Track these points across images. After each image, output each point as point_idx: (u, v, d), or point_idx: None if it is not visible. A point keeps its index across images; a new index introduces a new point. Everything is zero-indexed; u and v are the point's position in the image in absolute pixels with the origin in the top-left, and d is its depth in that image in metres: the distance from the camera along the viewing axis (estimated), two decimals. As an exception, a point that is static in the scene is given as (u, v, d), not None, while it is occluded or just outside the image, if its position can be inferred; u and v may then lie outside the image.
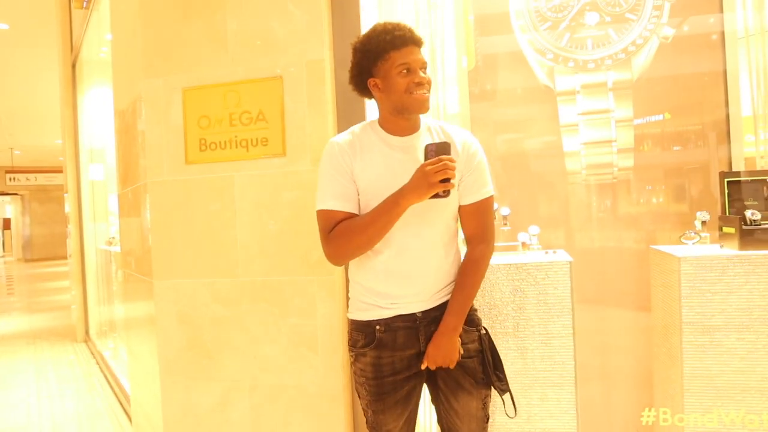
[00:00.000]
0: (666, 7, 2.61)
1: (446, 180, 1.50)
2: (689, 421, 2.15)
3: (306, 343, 2.30)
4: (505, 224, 2.42)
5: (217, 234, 2.38)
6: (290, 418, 2.33)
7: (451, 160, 1.51)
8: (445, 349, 1.68)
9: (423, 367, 1.72)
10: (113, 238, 5.26)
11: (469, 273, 1.72)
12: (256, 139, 2.33)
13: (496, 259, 2.28)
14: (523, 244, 2.36)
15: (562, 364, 2.19)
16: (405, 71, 1.61)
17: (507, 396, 1.78)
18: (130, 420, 3.46)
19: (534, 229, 2.37)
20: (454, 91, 2.61)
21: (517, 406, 2.21)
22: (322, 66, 2.25)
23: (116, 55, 3.05)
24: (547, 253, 2.35)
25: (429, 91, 1.65)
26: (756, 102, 2.45)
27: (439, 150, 1.52)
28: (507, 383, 1.76)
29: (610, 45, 2.67)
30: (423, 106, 1.64)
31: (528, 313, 2.21)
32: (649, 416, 2.24)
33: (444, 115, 2.55)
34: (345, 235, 1.63)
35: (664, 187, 2.75)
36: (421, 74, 1.62)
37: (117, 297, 4.43)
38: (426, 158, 1.54)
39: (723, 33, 2.56)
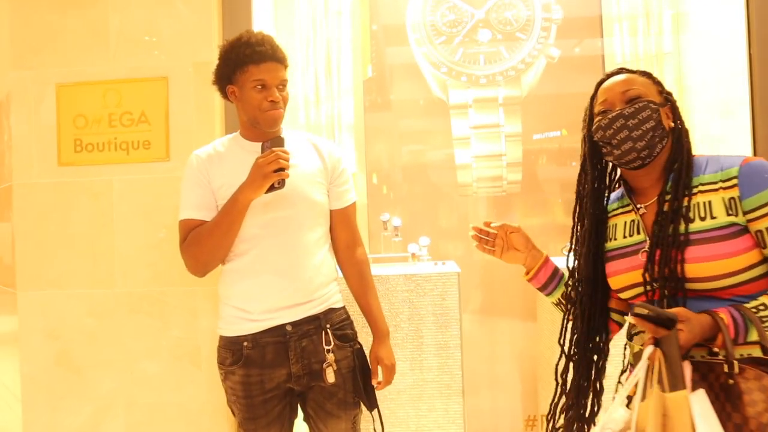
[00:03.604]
0: (553, 29, 2.85)
1: (280, 170, 1.58)
2: (568, 427, 2.32)
3: (188, 357, 2.27)
4: (396, 235, 2.52)
5: (92, 242, 2.31)
6: (170, 438, 2.30)
7: (284, 152, 1.60)
8: (391, 354, 1.81)
9: (380, 386, 1.79)
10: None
11: (365, 274, 1.84)
12: (138, 142, 2.30)
13: (387, 269, 2.37)
14: (413, 255, 2.46)
15: (450, 374, 2.29)
16: (260, 87, 1.69)
17: (375, 412, 1.81)
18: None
19: (424, 240, 2.47)
20: (349, 101, 2.70)
21: (406, 417, 2.31)
22: (210, 68, 2.23)
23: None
24: (436, 264, 2.45)
25: (284, 108, 1.75)
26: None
27: (273, 144, 1.62)
28: (375, 398, 1.80)
29: (501, 62, 2.87)
30: (275, 124, 1.74)
31: (417, 323, 2.30)
32: (531, 422, 2.41)
33: (339, 125, 2.62)
34: (196, 241, 1.69)
35: (558, 201, 2.97)
36: (277, 93, 1.71)
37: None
38: (262, 153, 1.63)
39: (603, 57, 2.82)
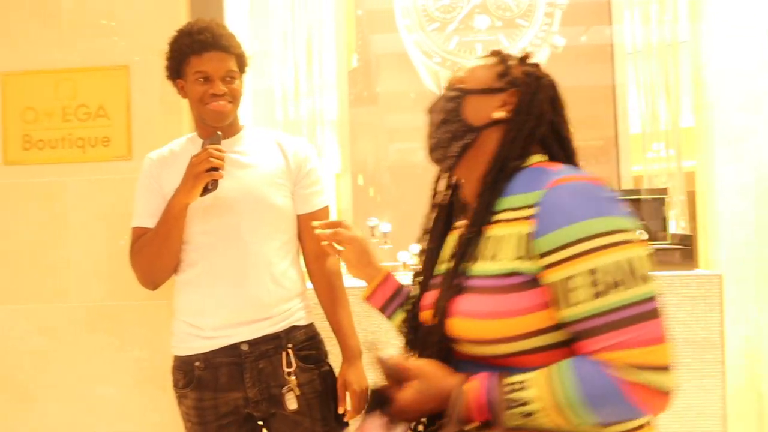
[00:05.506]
0: (557, 15, 2.74)
1: (213, 170, 1.51)
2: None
3: (151, 380, 2.12)
4: (386, 242, 2.40)
5: (43, 251, 2.16)
6: (131, 471, 2.14)
7: (219, 149, 1.52)
8: (362, 378, 1.69)
9: (348, 416, 1.68)
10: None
11: (336, 287, 1.74)
12: (96, 139, 2.15)
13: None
14: (404, 264, 2.34)
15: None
16: (202, 79, 1.62)
17: None
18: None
19: (416, 248, 2.35)
20: (332, 94, 2.57)
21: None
22: (176, 56, 2.12)
23: None
24: (430, 274, 2.33)
25: (233, 102, 1.66)
26: (643, 119, 2.59)
27: (210, 142, 1.56)
28: (345, 424, 1.71)
29: (500, 51, 2.74)
30: (220, 119, 1.66)
31: (407, 342, 2.17)
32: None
33: (321, 121, 2.48)
34: (139, 251, 1.67)
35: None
36: (221, 85, 1.62)
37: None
38: None
39: (612, 46, 2.70)
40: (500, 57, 1.09)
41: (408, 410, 0.95)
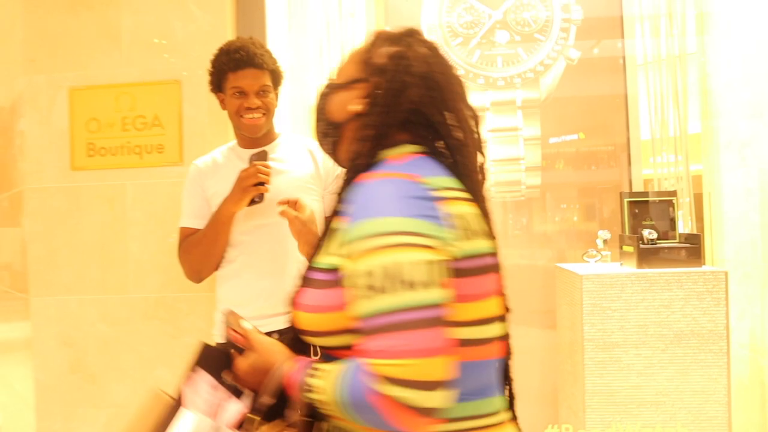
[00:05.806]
0: (572, 30, 2.84)
1: (260, 184, 1.65)
2: (589, 437, 2.33)
3: None
4: None
5: (106, 247, 2.34)
6: (183, 446, 2.31)
7: (266, 166, 1.68)
8: None
9: None
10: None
11: None
12: (151, 146, 2.33)
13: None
14: None
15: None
16: (238, 93, 1.77)
17: None
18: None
19: None
20: None
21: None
22: (224, 71, 2.29)
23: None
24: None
25: (266, 114, 1.80)
26: (653, 126, 2.72)
27: (257, 158, 1.70)
28: None
29: (519, 64, 2.86)
30: (254, 130, 1.79)
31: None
32: (552, 433, 2.41)
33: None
34: (187, 249, 1.82)
35: (577, 206, 2.96)
36: (255, 99, 1.76)
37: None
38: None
39: (624, 58, 2.82)
40: (369, 43, 1.02)
41: (241, 378, 0.98)
